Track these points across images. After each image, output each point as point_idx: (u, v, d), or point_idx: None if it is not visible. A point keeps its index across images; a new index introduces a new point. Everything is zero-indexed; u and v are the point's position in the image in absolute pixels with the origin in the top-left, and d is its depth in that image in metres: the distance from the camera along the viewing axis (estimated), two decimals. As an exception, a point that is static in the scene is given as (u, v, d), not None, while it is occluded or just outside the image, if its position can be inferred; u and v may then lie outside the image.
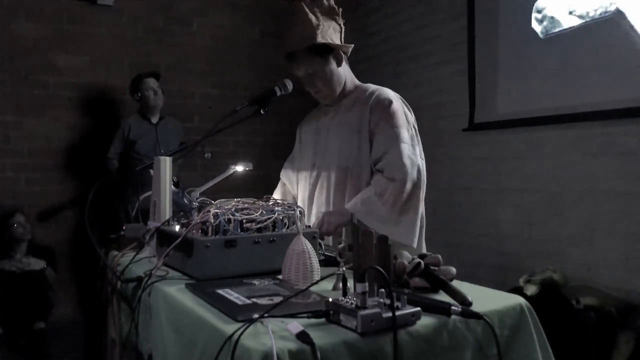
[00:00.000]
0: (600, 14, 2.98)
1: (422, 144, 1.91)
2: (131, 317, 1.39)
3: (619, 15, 2.88)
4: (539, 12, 3.33)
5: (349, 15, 1.89)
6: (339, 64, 1.85)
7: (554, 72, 3.21)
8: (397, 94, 1.88)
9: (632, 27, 2.82)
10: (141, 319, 1.35)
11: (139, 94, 3.94)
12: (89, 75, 4.21)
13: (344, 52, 1.86)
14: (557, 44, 3.21)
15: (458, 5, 3.83)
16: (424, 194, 1.86)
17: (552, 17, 3.25)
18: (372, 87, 1.90)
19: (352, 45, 1.85)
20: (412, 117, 1.87)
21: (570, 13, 3.15)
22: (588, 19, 3.05)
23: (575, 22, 3.12)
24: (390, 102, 1.80)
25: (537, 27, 3.33)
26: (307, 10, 1.76)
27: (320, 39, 1.74)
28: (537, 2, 3.33)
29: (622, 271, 2.86)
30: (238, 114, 1.75)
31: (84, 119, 4.20)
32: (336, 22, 1.83)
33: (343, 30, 1.86)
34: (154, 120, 4.01)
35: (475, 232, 3.72)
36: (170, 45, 4.53)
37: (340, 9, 1.85)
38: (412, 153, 1.78)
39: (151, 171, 1.65)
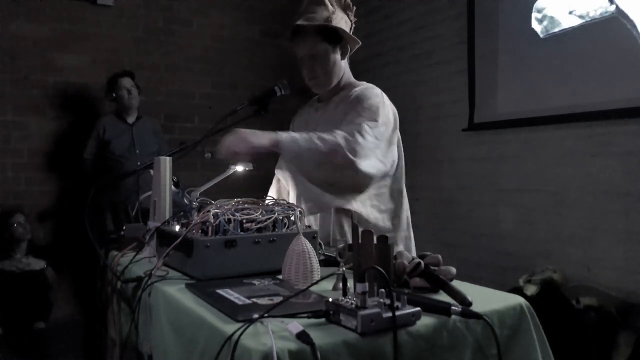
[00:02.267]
0: (600, 13, 2.98)
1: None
2: (131, 317, 1.39)
3: (618, 14, 2.88)
4: (539, 12, 3.33)
5: (356, 19, 1.88)
6: (343, 56, 1.81)
7: (554, 72, 3.21)
8: (382, 93, 1.80)
9: (632, 26, 2.82)
10: (141, 319, 1.35)
11: (114, 94, 3.92)
12: (89, 75, 4.21)
13: (350, 47, 1.82)
14: (557, 44, 3.21)
15: (458, 5, 3.83)
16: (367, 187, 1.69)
17: (552, 17, 3.25)
18: (361, 85, 1.84)
19: (360, 43, 1.82)
20: (391, 117, 1.76)
21: (570, 13, 3.15)
22: (588, 19, 3.05)
23: (575, 21, 3.12)
24: (368, 98, 1.73)
25: (537, 27, 3.33)
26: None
27: (333, 24, 1.72)
28: (537, 2, 3.33)
29: (622, 271, 2.86)
30: (238, 114, 1.75)
31: (84, 119, 4.20)
32: (348, 17, 1.80)
33: (353, 27, 1.83)
34: (130, 120, 3.97)
35: (475, 232, 3.72)
36: (170, 45, 4.53)
37: (355, 8, 1.84)
38: (371, 148, 1.61)
39: (151, 171, 1.65)
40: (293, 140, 1.59)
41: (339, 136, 1.59)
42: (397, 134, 1.80)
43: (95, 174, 3.90)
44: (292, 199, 1.94)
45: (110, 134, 3.88)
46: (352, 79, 1.89)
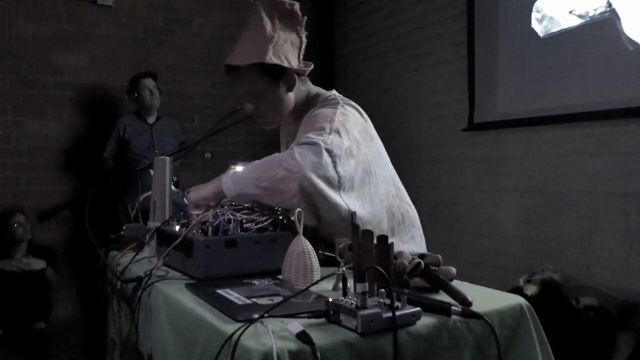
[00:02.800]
0: (600, 13, 2.98)
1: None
2: (131, 317, 1.39)
3: (618, 14, 2.88)
4: (538, 11, 3.33)
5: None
6: (289, 89, 1.53)
7: (553, 72, 3.21)
8: (353, 107, 1.53)
9: (623, 31, 2.82)
10: (141, 319, 1.35)
11: (136, 94, 3.96)
12: (89, 75, 4.21)
13: (298, 74, 1.54)
14: (557, 44, 3.21)
15: (458, 5, 3.83)
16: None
17: (551, 17, 3.25)
18: (325, 104, 1.54)
19: (312, 66, 1.55)
20: (352, 118, 1.49)
21: (570, 13, 3.15)
22: (588, 19, 3.05)
23: (575, 21, 3.12)
24: (318, 112, 1.49)
25: (537, 27, 3.33)
26: (263, 14, 1.47)
27: (270, 56, 1.44)
28: (537, 2, 3.33)
29: (622, 271, 2.86)
30: (238, 114, 1.75)
31: (83, 119, 4.21)
32: (297, 34, 1.52)
33: (304, 45, 1.53)
34: (151, 120, 4.02)
35: (475, 232, 3.72)
36: (170, 45, 4.53)
37: (305, 17, 1.53)
38: (312, 151, 1.35)
39: (151, 171, 1.65)
40: (233, 178, 1.42)
41: (276, 160, 1.39)
42: (372, 132, 1.57)
43: (115, 173, 3.95)
44: None
45: (130, 133, 3.93)
46: (320, 91, 1.62)
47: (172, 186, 1.63)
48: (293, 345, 0.86)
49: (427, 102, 4.08)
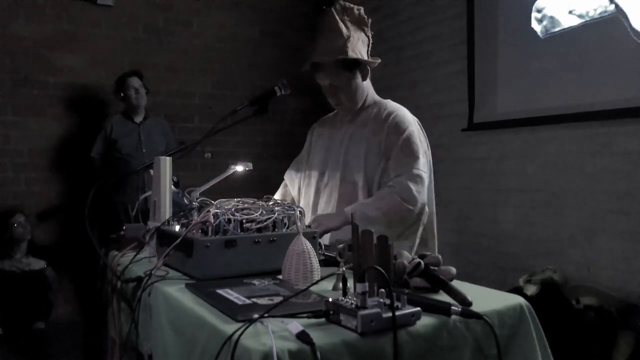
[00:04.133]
0: (600, 13, 2.98)
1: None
2: (131, 317, 1.39)
3: (618, 14, 2.88)
4: (538, 11, 3.33)
5: (372, 33, 1.89)
6: (364, 79, 1.84)
7: (553, 72, 3.21)
8: (414, 117, 1.88)
9: (632, 26, 2.82)
10: (141, 319, 1.35)
11: (122, 94, 3.94)
12: (89, 75, 4.21)
13: (370, 67, 1.84)
14: (557, 44, 3.21)
15: (458, 5, 3.83)
16: (424, 225, 1.82)
17: (551, 17, 3.25)
18: (390, 106, 1.88)
19: (379, 60, 1.83)
20: (425, 142, 1.87)
21: (570, 13, 3.15)
22: (588, 19, 3.05)
23: (575, 21, 3.12)
24: (407, 127, 1.79)
25: (537, 27, 3.33)
26: (338, 19, 1.75)
27: (350, 53, 1.73)
28: (537, 1, 3.33)
29: (622, 271, 2.86)
30: (238, 114, 1.75)
31: (84, 119, 4.20)
32: (365, 33, 1.81)
33: (371, 43, 1.84)
34: (138, 119, 3.99)
35: (475, 232, 3.72)
36: (170, 45, 4.53)
37: (370, 20, 1.83)
38: (422, 185, 1.75)
39: (151, 171, 1.65)
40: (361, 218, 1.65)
41: (395, 195, 1.70)
42: (429, 153, 1.91)
43: (102, 173, 3.93)
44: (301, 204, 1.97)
45: (118, 133, 3.90)
46: (376, 96, 1.93)
47: (172, 186, 1.63)
48: (293, 345, 0.86)
49: (427, 102, 4.08)
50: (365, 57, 1.80)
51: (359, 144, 1.83)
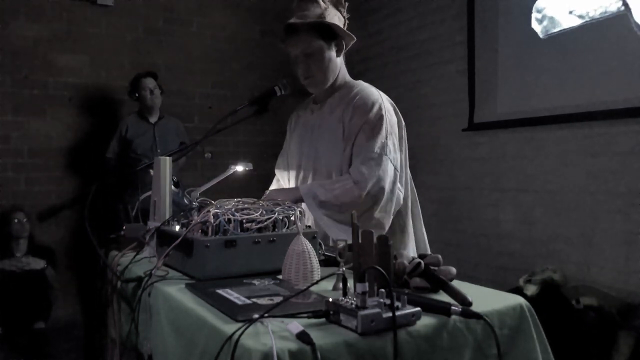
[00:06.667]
0: (600, 13, 2.98)
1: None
2: (131, 317, 1.39)
3: (618, 14, 2.88)
4: (538, 12, 3.33)
5: (349, 15, 1.87)
6: (338, 54, 1.78)
7: (554, 72, 3.21)
8: (382, 95, 1.79)
9: (632, 26, 2.82)
10: (141, 319, 1.35)
11: (137, 94, 3.96)
12: (89, 75, 4.21)
13: (345, 44, 1.80)
14: (557, 44, 3.21)
15: (458, 5, 3.83)
16: (390, 213, 1.73)
17: (552, 17, 3.25)
18: (358, 86, 1.81)
19: (355, 39, 1.78)
20: (394, 120, 1.77)
21: (570, 13, 3.15)
22: (588, 19, 3.05)
23: (575, 22, 3.12)
24: (371, 107, 1.71)
25: (537, 27, 3.33)
26: None
27: (327, 20, 1.70)
28: (537, 2, 3.33)
29: (622, 271, 2.86)
30: (238, 114, 1.75)
31: (84, 119, 4.21)
32: (341, 13, 1.78)
33: (346, 24, 1.81)
34: (152, 120, 4.02)
35: (475, 232, 3.72)
36: (170, 45, 4.53)
37: (347, 3, 1.81)
38: (376, 167, 1.66)
39: (151, 171, 1.65)
40: (312, 197, 1.67)
41: (350, 180, 1.66)
42: (403, 133, 1.82)
43: (117, 173, 3.95)
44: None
45: (133, 133, 3.93)
46: (348, 77, 1.86)
47: (172, 186, 1.63)
48: (293, 345, 0.86)
49: (427, 102, 4.08)
50: (344, 30, 1.77)
51: (327, 132, 1.78)
